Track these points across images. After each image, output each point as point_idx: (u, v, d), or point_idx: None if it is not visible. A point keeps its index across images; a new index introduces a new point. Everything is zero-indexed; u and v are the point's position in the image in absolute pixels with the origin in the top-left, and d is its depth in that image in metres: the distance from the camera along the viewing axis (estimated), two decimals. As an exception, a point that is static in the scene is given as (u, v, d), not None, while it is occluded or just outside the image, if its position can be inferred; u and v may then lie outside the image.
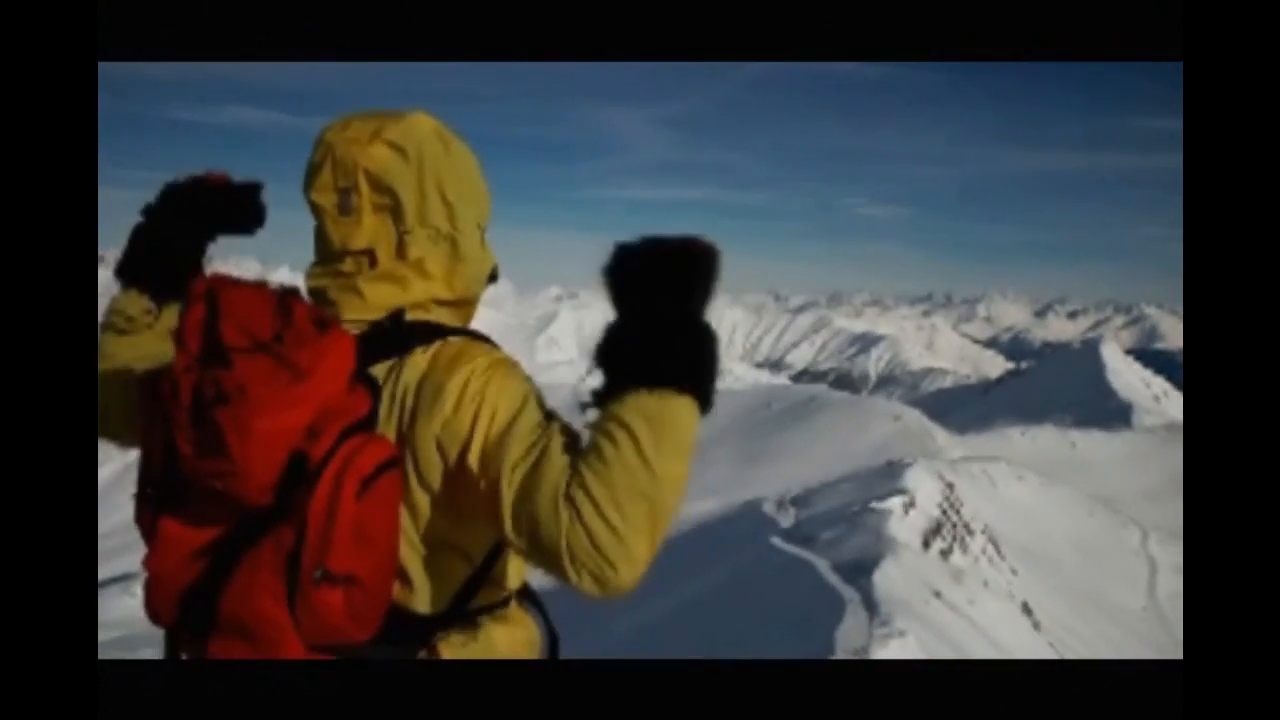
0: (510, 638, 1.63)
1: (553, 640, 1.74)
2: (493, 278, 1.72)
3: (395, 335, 1.55)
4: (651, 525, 1.37)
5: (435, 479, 1.49)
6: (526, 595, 1.75)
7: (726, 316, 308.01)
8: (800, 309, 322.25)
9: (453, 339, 1.56)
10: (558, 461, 1.39)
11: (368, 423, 1.46)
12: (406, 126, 1.59)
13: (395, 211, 1.58)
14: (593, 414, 1.44)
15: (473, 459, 1.44)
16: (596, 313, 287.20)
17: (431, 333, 1.56)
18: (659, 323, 1.40)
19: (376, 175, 1.57)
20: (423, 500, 1.50)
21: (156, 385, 1.43)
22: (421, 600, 1.54)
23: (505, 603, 1.65)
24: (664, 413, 1.37)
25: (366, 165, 1.56)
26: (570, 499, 1.35)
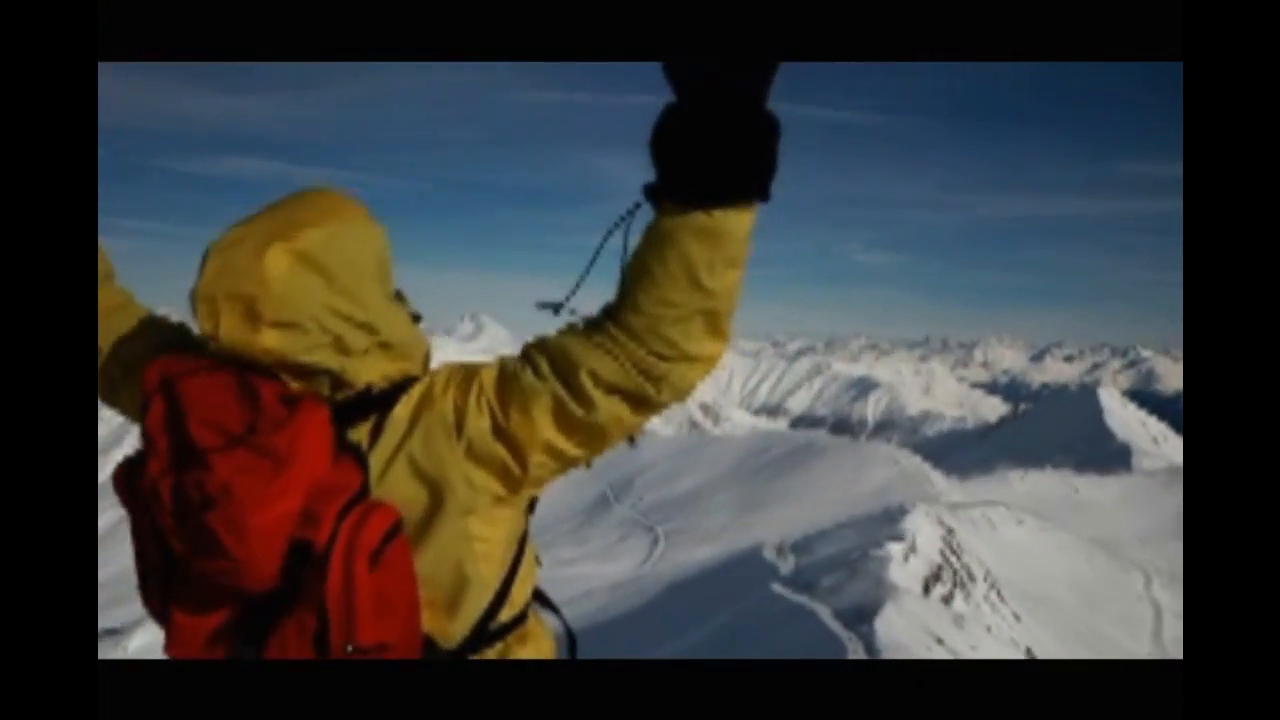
0: (536, 653, 1.64)
1: (570, 638, 1.74)
2: (416, 318, 1.62)
3: (368, 397, 1.49)
4: (713, 330, 1.41)
5: (479, 496, 1.46)
6: (538, 598, 1.73)
7: (724, 362, 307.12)
8: (797, 354, 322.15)
9: (422, 379, 1.52)
10: (563, 334, 1.46)
11: (362, 493, 1.41)
12: (277, 252, 1.41)
13: (299, 328, 1.42)
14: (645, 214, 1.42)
15: (515, 419, 1.44)
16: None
17: (399, 387, 1.50)
18: (716, 111, 1.32)
19: (277, 300, 1.40)
20: (449, 529, 1.47)
21: (132, 481, 1.40)
22: (445, 635, 1.53)
23: (522, 618, 1.65)
24: (719, 229, 1.35)
25: (257, 292, 1.39)
26: (622, 326, 1.40)
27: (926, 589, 24.61)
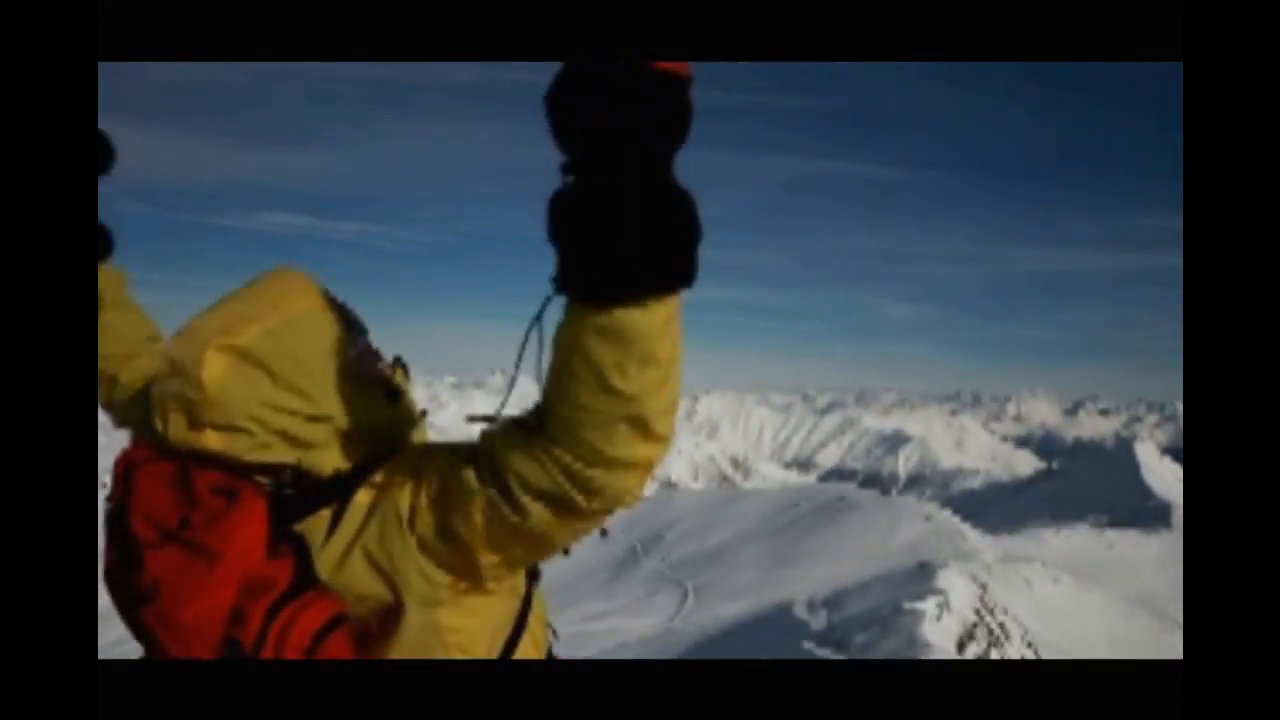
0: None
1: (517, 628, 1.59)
2: (391, 395, 1.53)
3: (323, 485, 1.44)
4: (642, 433, 1.21)
5: (439, 589, 1.40)
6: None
7: (754, 416, 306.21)
8: (828, 408, 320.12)
9: (389, 462, 1.46)
10: (502, 431, 1.32)
11: (294, 591, 1.37)
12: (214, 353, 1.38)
13: (240, 430, 1.40)
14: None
15: (457, 520, 1.35)
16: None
17: (362, 471, 1.45)
18: (612, 189, 1.09)
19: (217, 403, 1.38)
20: (414, 622, 1.40)
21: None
22: None
23: None
24: (620, 328, 1.14)
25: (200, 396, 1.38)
26: (544, 429, 1.25)
27: (961, 647, 24.15)
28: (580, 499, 1.25)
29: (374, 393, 1.49)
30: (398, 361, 1.61)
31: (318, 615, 1.36)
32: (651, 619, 36.80)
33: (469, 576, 1.40)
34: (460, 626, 1.43)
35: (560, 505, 1.27)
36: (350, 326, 1.50)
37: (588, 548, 51.91)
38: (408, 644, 1.41)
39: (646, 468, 1.25)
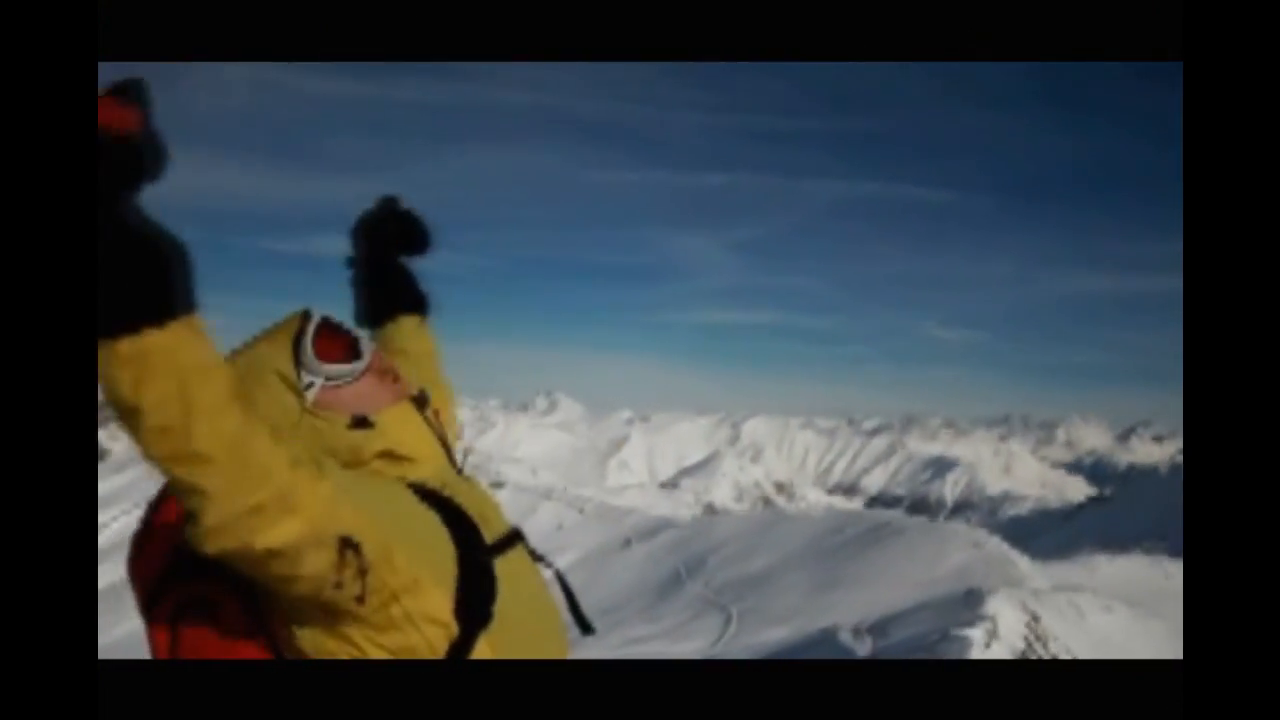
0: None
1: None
2: (359, 423, 1.57)
3: None
4: (186, 467, 1.20)
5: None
6: None
7: (798, 440, 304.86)
8: (873, 432, 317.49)
9: None
10: None
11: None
12: None
13: None
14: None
15: None
16: (669, 436, 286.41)
17: None
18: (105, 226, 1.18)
19: None
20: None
21: None
22: None
23: None
24: (100, 379, 1.20)
25: None
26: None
27: (1010, 677, 23.71)
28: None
29: (334, 419, 1.55)
30: (420, 393, 1.68)
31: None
32: (694, 644, 36.61)
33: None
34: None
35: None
36: (329, 358, 1.57)
37: (631, 571, 51.81)
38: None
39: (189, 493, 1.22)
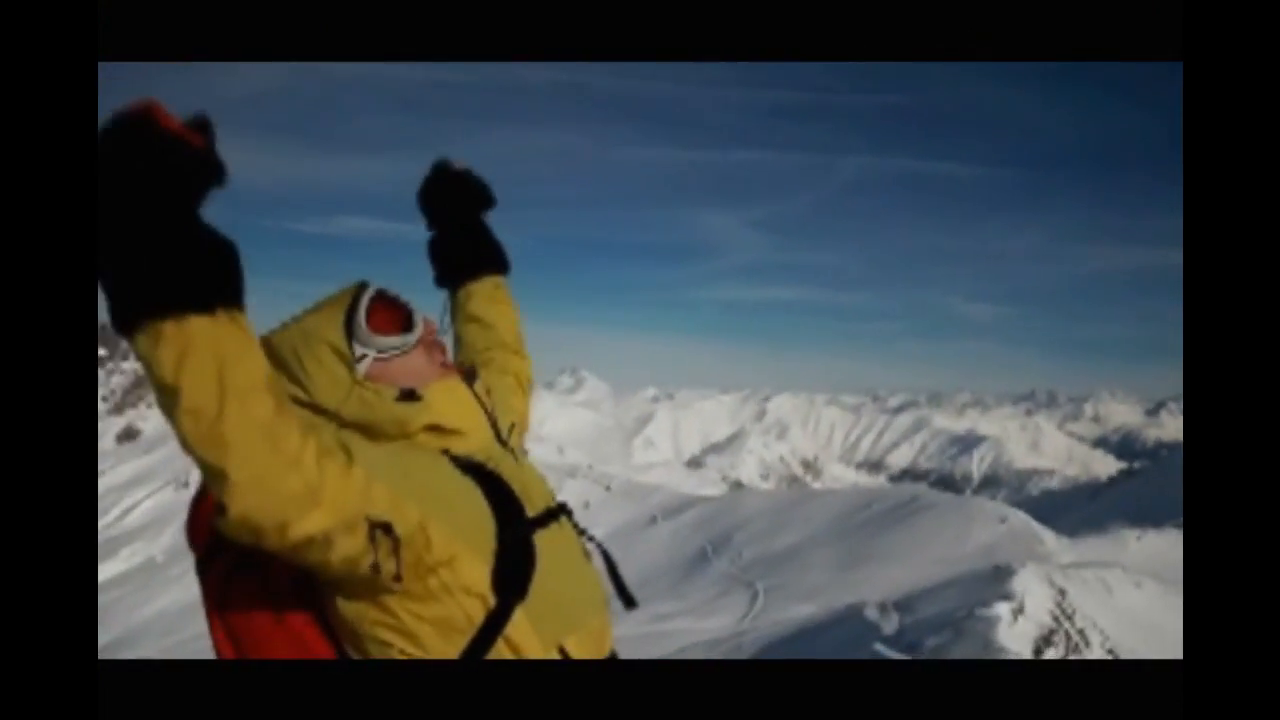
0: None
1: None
2: (406, 396, 1.60)
3: None
4: (223, 450, 1.23)
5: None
6: None
7: (824, 416, 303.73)
8: (899, 409, 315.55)
9: None
10: None
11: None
12: None
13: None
14: None
15: None
16: (694, 414, 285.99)
17: None
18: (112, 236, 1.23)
19: None
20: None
21: None
22: None
23: None
24: (145, 359, 1.23)
25: None
26: None
27: (1037, 652, 23.67)
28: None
29: (382, 392, 1.58)
30: (470, 368, 1.77)
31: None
32: (721, 620, 36.75)
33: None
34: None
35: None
36: (382, 330, 1.60)
37: (657, 548, 51.97)
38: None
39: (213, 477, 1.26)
